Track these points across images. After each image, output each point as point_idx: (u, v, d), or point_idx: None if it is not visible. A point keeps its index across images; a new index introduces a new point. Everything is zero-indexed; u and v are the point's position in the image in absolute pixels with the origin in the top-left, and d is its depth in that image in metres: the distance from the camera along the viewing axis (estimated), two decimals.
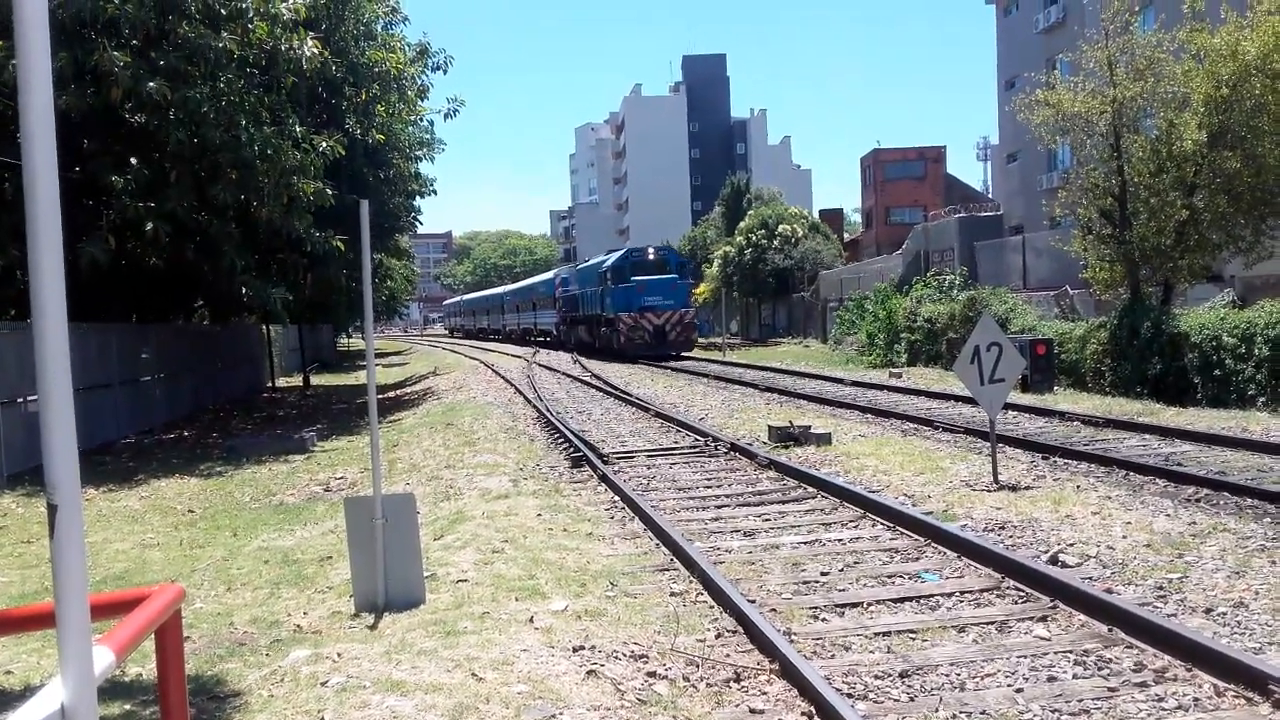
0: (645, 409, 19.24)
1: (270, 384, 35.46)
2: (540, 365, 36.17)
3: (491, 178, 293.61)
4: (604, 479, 11.77)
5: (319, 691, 5.39)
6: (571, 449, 14.19)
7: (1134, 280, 21.83)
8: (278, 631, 6.78)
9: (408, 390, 33.31)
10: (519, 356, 43.68)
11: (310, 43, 17.18)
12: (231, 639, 6.70)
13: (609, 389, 24.32)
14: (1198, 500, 9.48)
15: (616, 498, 10.78)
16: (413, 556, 7.06)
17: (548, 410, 19.18)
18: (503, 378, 30.60)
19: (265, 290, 18.74)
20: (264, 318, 28.70)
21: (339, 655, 5.97)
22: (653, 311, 37.24)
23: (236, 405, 28.01)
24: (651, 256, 39.38)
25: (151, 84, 15.31)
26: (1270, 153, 20.48)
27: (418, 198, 28.24)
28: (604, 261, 41.59)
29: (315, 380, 38.93)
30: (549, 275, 59.83)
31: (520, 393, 24.46)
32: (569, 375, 30.49)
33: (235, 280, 18.48)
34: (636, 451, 14.10)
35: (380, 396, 29.08)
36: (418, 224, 31.70)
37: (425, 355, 60.24)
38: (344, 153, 18.28)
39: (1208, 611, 6.21)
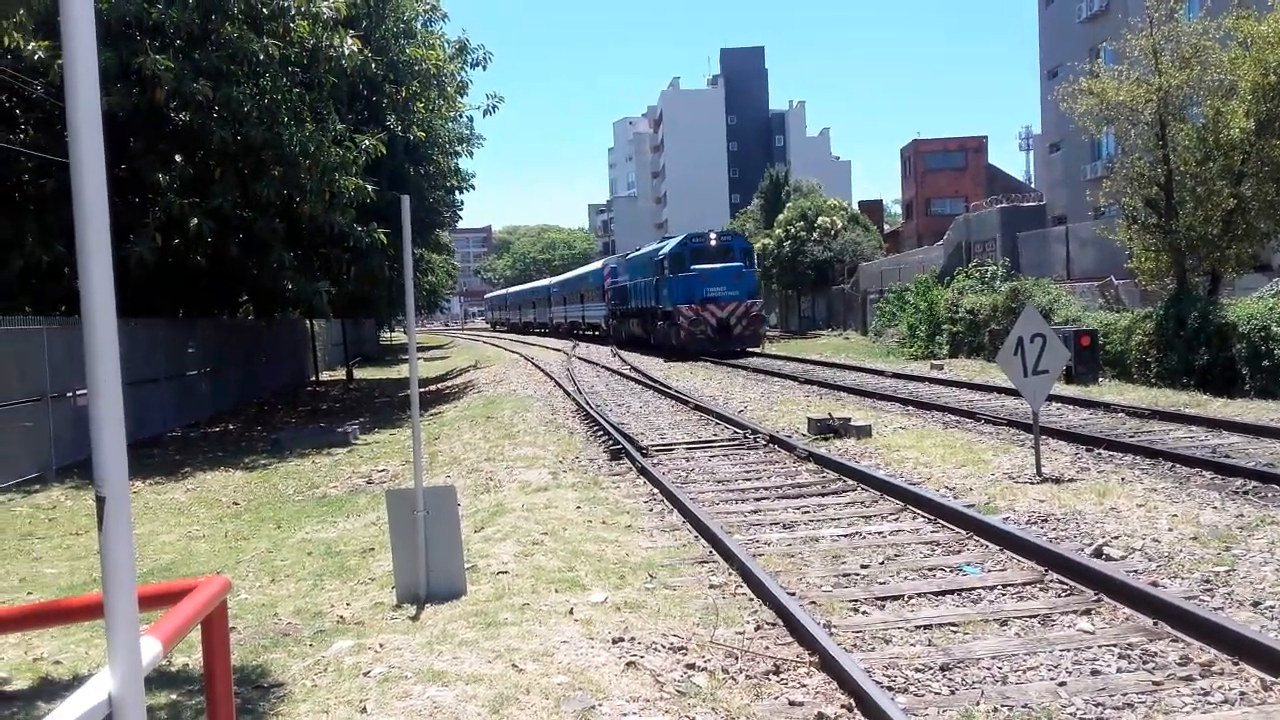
0: (684, 402, 19.22)
1: (314, 378, 35.85)
2: (580, 359, 36.26)
3: (530, 172, 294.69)
4: (643, 471, 11.78)
5: (361, 682, 5.45)
6: (610, 441, 14.20)
7: (1180, 270, 21.50)
8: (321, 622, 6.85)
9: (449, 384, 33.55)
10: (559, 350, 43.81)
11: (351, 41, 17.33)
12: (276, 630, 6.78)
13: (648, 381, 24.33)
14: (1245, 492, 9.33)
15: (655, 490, 10.78)
16: (454, 548, 7.12)
17: (587, 403, 19.22)
18: (542, 371, 30.71)
19: (309, 285, 18.95)
20: (308, 312, 29.00)
21: (381, 646, 6.03)
22: (715, 303, 33.45)
23: (281, 399, 28.35)
24: (713, 242, 35.53)
25: (195, 84, 15.52)
26: None
27: (457, 193, 28.42)
28: (660, 249, 37.91)
29: (358, 374, 39.31)
30: (597, 265, 56.49)
31: (560, 386, 24.53)
32: (609, 369, 30.55)
33: (279, 275, 18.70)
34: (675, 444, 14.11)
35: (421, 390, 29.16)
36: (458, 218, 31.91)
37: (466, 349, 60.60)
38: (385, 150, 18.43)
39: (1255, 605, 6.12)
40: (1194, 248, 21.22)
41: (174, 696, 5.59)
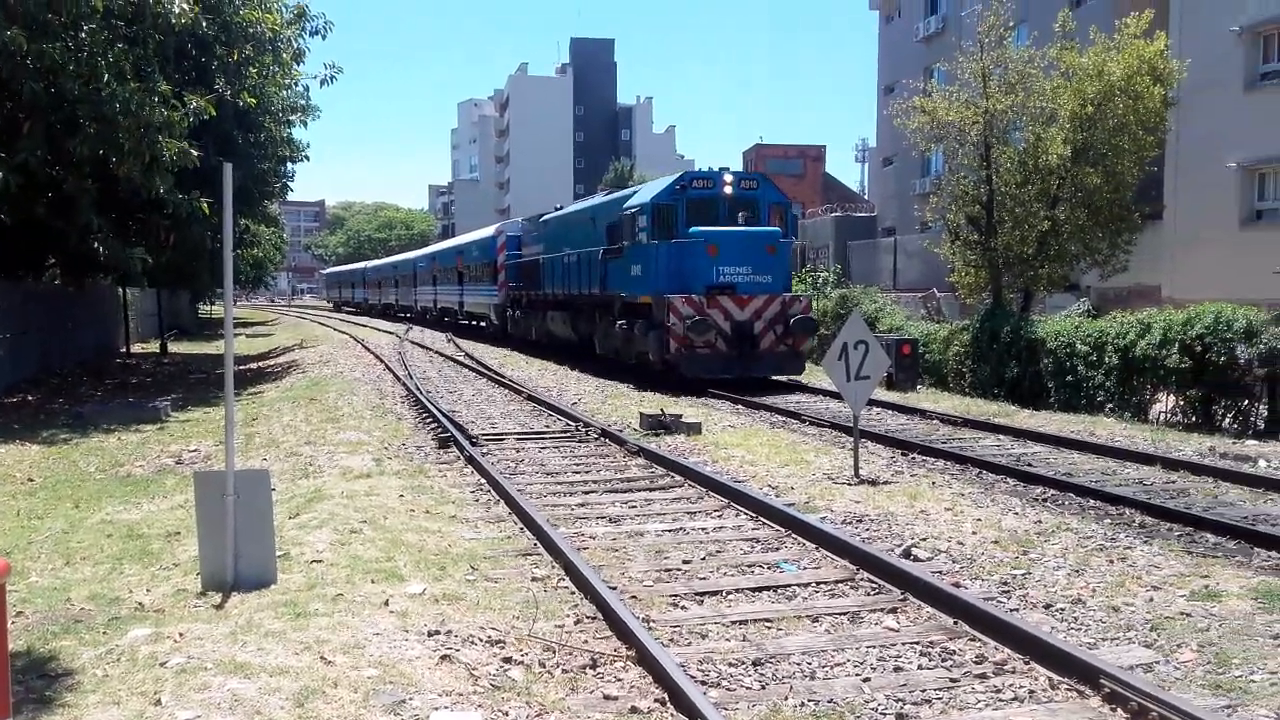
0: (518, 391, 19.09)
1: (124, 349, 34.00)
2: (412, 342, 35.53)
3: (369, 148, 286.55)
4: (471, 461, 11.62)
5: (157, 672, 5.19)
6: (439, 429, 13.98)
7: (996, 286, 22.62)
8: (117, 609, 6.50)
9: (271, 362, 32.34)
10: (391, 333, 42.76)
11: None
12: (68, 616, 6.40)
13: (481, 369, 24.07)
14: (1045, 500, 9.88)
15: (483, 480, 10.66)
16: (265, 535, 6.85)
17: (417, 389, 18.86)
18: (373, 353, 29.99)
19: (122, 251, 17.89)
20: (121, 280, 27.45)
21: (181, 635, 5.77)
22: (731, 294, 20.00)
23: (87, 370, 26.74)
24: (728, 189, 21.15)
25: (7, 32, 14.44)
26: (1129, 170, 21.53)
27: (289, 164, 27.37)
28: (627, 198, 23.22)
29: (173, 347, 37.46)
30: (487, 233, 40.09)
31: (390, 369, 24.00)
32: (441, 354, 30.08)
33: (90, 239, 17.59)
34: (506, 434, 13.98)
35: (241, 367, 28.17)
36: (288, 190, 30.73)
37: (292, 327, 58.58)
38: (213, 113, 17.56)
39: (1047, 607, 6.46)
40: (1010, 265, 22.38)
41: None
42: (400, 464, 11.63)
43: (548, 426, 14.85)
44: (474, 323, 42.18)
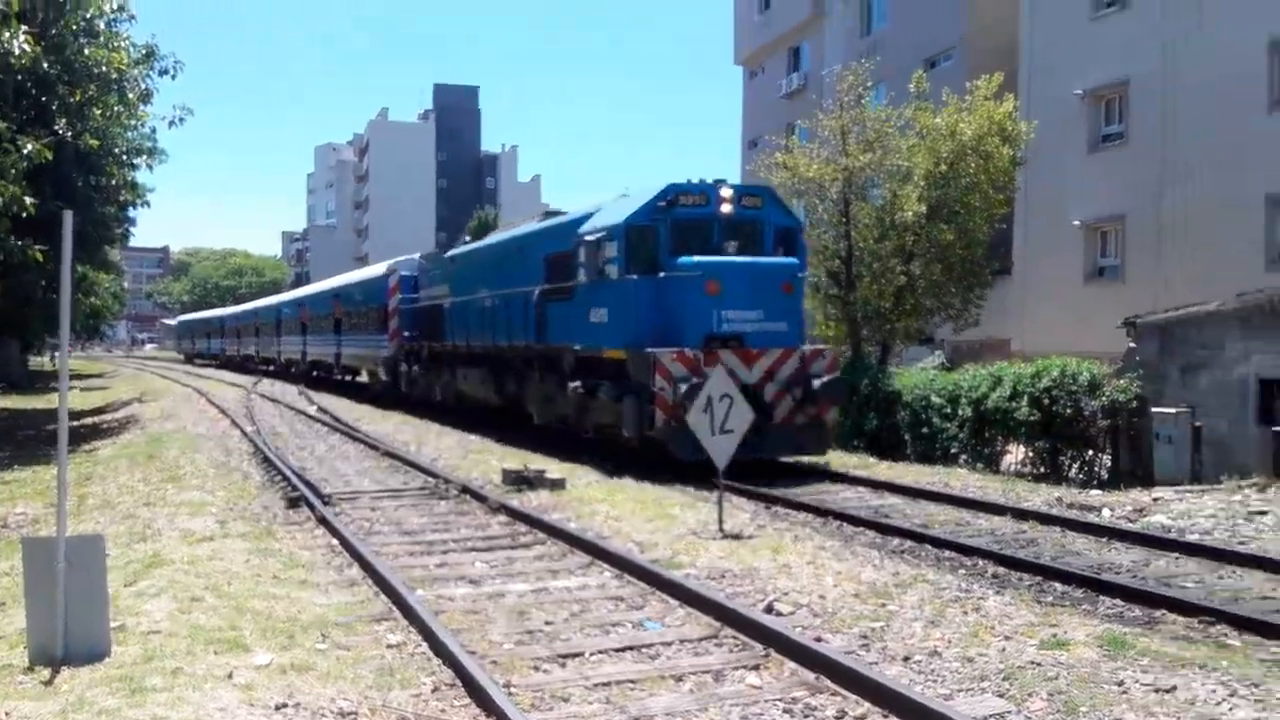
0: (374, 447, 18.56)
1: None
2: (261, 395, 34.28)
3: (218, 192, 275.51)
4: (323, 521, 11.18)
5: None
6: (289, 488, 13.44)
7: (855, 339, 23.13)
8: None
9: (108, 417, 30.67)
10: (239, 385, 41.16)
11: (22, 38, 15.65)
12: None
13: (335, 424, 23.37)
14: (902, 552, 10.08)
15: (335, 542, 10.26)
16: (98, 604, 6.44)
17: (266, 445, 18.15)
18: (215, 406, 28.82)
19: None
20: None
21: (6, 715, 5.44)
22: (736, 347, 15.26)
23: None
24: (727, 208, 16.08)
25: None
26: (980, 227, 22.45)
27: (131, 208, 26.25)
28: (578, 221, 17.87)
29: (0, 402, 35.25)
30: (375, 272, 33.91)
31: (236, 424, 23.06)
32: (292, 407, 29.11)
33: None
34: (361, 492, 13.56)
35: (75, 423, 26.63)
36: (130, 236, 29.44)
37: (130, 379, 55.72)
38: (48, 158, 16.70)
39: (906, 659, 6.53)
40: (868, 319, 22.95)
41: None
42: (246, 526, 11.10)
43: (405, 484, 14.45)
44: (353, 378, 36.89)
